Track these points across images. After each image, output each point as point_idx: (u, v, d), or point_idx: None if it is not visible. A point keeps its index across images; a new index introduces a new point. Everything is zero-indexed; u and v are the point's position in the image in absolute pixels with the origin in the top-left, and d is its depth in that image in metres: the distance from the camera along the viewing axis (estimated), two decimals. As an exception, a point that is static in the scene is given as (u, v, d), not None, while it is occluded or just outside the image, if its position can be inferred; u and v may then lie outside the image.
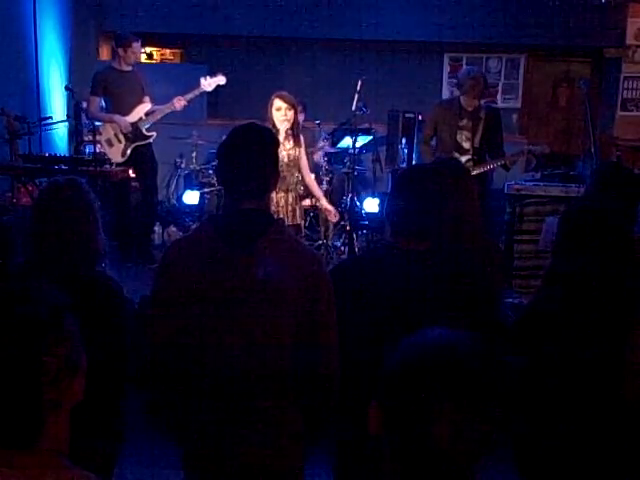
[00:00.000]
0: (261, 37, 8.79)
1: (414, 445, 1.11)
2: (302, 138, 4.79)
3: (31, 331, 1.12)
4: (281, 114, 4.55)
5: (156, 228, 6.84)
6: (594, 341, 2.11)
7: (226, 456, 2.07)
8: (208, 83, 5.70)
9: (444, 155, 5.10)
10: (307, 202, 5.81)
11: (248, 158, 2.08)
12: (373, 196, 7.11)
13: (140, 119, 5.88)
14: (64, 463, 1.16)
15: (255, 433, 2.06)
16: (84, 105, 6.14)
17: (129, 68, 5.91)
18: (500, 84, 9.37)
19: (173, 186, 7.76)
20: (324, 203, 5.11)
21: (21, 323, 1.12)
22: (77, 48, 8.27)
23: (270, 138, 2.19)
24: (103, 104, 6.01)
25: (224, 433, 2.06)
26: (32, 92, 7.10)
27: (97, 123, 5.80)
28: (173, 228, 7.10)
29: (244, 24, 8.55)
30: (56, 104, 7.58)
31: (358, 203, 6.80)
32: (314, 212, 6.42)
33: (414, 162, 6.44)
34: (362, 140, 6.70)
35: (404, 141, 6.78)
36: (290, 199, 4.70)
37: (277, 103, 4.56)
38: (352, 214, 6.21)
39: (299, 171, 4.78)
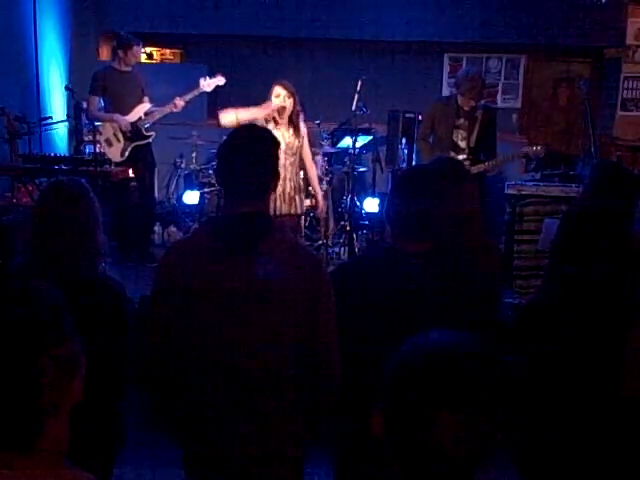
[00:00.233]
0: (261, 37, 8.80)
1: (416, 448, 1.11)
2: (304, 130, 4.79)
3: (30, 332, 1.12)
4: (280, 100, 4.59)
5: (156, 228, 6.85)
6: (593, 341, 2.11)
7: (226, 456, 2.07)
8: (207, 84, 5.70)
9: (441, 153, 5.11)
10: (307, 202, 5.81)
11: (248, 160, 2.08)
12: (373, 196, 7.11)
13: (140, 119, 5.88)
14: (64, 464, 1.16)
15: (255, 433, 2.06)
16: (84, 105, 6.14)
17: (129, 68, 5.92)
18: (500, 84, 9.37)
19: (173, 186, 7.76)
20: (318, 194, 5.14)
21: (20, 324, 1.12)
22: (77, 48, 8.28)
23: (270, 139, 2.18)
24: (102, 104, 6.01)
25: (224, 433, 2.06)
26: (32, 92, 7.10)
27: (97, 123, 5.80)
28: (173, 228, 7.10)
29: (244, 24, 8.55)
30: (56, 104, 7.58)
31: (358, 203, 6.80)
32: (314, 212, 6.42)
33: (414, 162, 6.44)
34: (362, 140, 6.69)
35: (404, 141, 6.78)
36: (288, 188, 4.65)
37: (277, 90, 4.61)
38: (352, 214, 6.20)
39: (300, 161, 4.79)
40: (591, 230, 2.19)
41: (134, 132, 5.86)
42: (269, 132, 2.28)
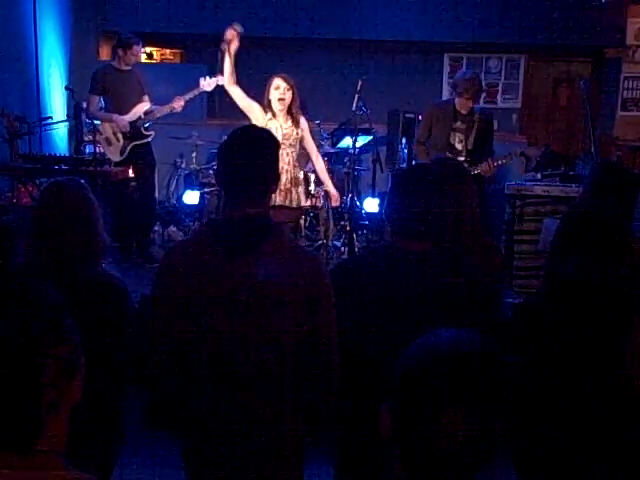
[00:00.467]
0: (261, 37, 8.79)
1: (422, 446, 1.10)
2: (304, 122, 4.75)
3: (30, 332, 1.12)
4: (279, 92, 4.57)
5: (156, 228, 6.85)
6: (593, 341, 2.11)
7: (226, 456, 2.07)
8: (207, 83, 5.69)
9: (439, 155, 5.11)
10: (307, 202, 5.81)
11: (248, 161, 2.07)
12: (373, 196, 7.11)
13: (139, 118, 5.88)
14: (64, 464, 1.16)
15: (255, 433, 2.06)
16: (84, 105, 6.14)
17: (128, 68, 5.92)
18: (500, 84, 9.37)
19: (173, 186, 7.77)
20: (329, 186, 5.09)
21: (20, 324, 1.12)
22: (77, 48, 8.28)
23: (270, 140, 2.18)
24: (102, 103, 6.01)
25: (224, 433, 2.06)
26: (32, 92, 7.10)
27: (96, 122, 5.80)
28: (173, 228, 7.10)
29: (244, 24, 8.54)
30: (56, 104, 7.58)
31: (358, 203, 6.80)
32: (314, 212, 6.42)
33: (414, 162, 6.44)
34: (362, 140, 6.69)
35: (404, 141, 6.78)
36: (283, 179, 4.54)
37: (276, 82, 4.59)
38: (352, 214, 6.20)
39: (305, 156, 4.76)
40: (591, 230, 2.19)
41: (133, 131, 5.86)
42: (269, 133, 2.28)
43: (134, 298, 4.04)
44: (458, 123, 5.39)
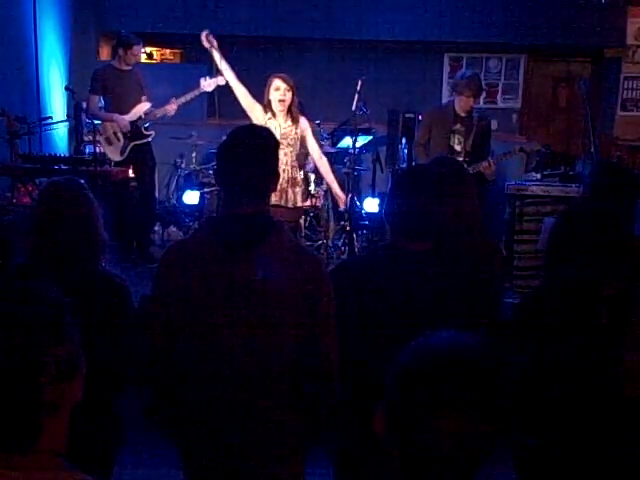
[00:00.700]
0: (261, 37, 8.80)
1: (417, 447, 1.10)
2: (305, 123, 4.73)
3: (30, 332, 1.12)
4: (279, 93, 4.55)
5: (156, 228, 6.85)
6: (592, 341, 2.11)
7: (226, 456, 2.07)
8: (208, 84, 5.69)
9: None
10: (307, 202, 5.81)
11: (248, 160, 2.08)
12: (373, 196, 7.11)
13: (140, 118, 5.88)
14: (63, 465, 1.16)
15: (255, 433, 2.06)
16: (84, 105, 6.14)
17: (129, 67, 5.92)
18: (500, 84, 9.37)
19: (173, 186, 7.76)
20: (336, 189, 5.06)
21: (20, 324, 1.12)
22: (77, 48, 8.27)
23: (270, 139, 2.18)
24: (102, 103, 6.01)
25: (224, 433, 2.06)
26: (32, 92, 7.09)
27: (96, 122, 5.80)
28: (173, 228, 7.10)
29: (244, 24, 8.55)
30: (56, 104, 7.57)
31: (358, 203, 6.80)
32: (314, 212, 6.42)
33: (414, 162, 6.44)
34: (362, 140, 6.69)
35: (404, 141, 6.78)
36: (280, 178, 4.55)
37: (276, 83, 4.57)
38: (352, 214, 6.20)
39: (306, 156, 4.74)
40: (590, 230, 2.19)
41: (133, 131, 5.87)
42: (268, 131, 2.28)
43: (134, 298, 4.06)
44: (457, 125, 5.43)
